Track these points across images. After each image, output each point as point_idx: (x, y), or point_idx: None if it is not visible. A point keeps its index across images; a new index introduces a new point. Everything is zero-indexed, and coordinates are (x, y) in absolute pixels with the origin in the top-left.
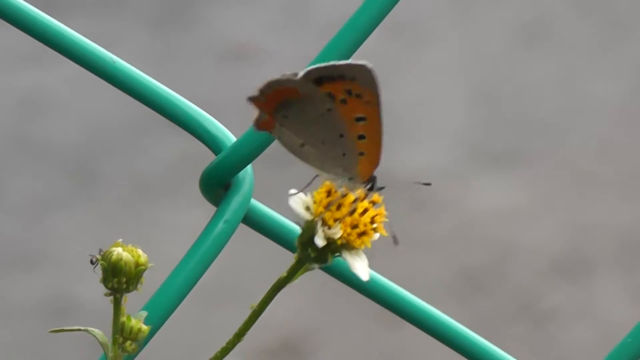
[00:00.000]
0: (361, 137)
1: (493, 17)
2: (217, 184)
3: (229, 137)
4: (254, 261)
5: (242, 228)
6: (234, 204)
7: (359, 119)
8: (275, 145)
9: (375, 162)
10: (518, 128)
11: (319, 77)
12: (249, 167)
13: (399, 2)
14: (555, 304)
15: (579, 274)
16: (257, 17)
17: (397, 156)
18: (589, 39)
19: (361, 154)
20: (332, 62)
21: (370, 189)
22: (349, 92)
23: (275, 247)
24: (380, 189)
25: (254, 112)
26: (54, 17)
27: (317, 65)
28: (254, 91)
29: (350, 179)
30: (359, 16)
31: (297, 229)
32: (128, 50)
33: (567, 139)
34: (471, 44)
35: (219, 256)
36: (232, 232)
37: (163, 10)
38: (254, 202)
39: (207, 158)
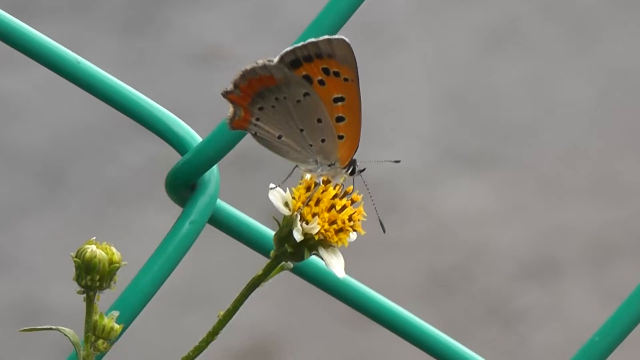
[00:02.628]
0: (340, 119)
1: (462, 21)
2: (183, 185)
3: (195, 137)
4: (223, 267)
5: (212, 235)
6: (200, 204)
7: (337, 100)
8: (241, 150)
9: (354, 144)
10: (487, 131)
11: (295, 59)
12: (214, 167)
13: (369, 7)
14: (524, 306)
15: (548, 276)
16: (226, 21)
17: (366, 159)
18: (557, 43)
19: (340, 137)
20: (309, 40)
21: (352, 173)
22: (326, 72)
23: (244, 253)
24: (362, 171)
25: (228, 110)
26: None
27: (293, 45)
28: (227, 86)
29: (330, 165)
30: (324, 16)
31: (263, 230)
32: (97, 56)
33: (536, 142)
34: (440, 48)
35: (189, 262)
36: (199, 232)
37: (132, 15)
38: (220, 202)
39: (175, 162)
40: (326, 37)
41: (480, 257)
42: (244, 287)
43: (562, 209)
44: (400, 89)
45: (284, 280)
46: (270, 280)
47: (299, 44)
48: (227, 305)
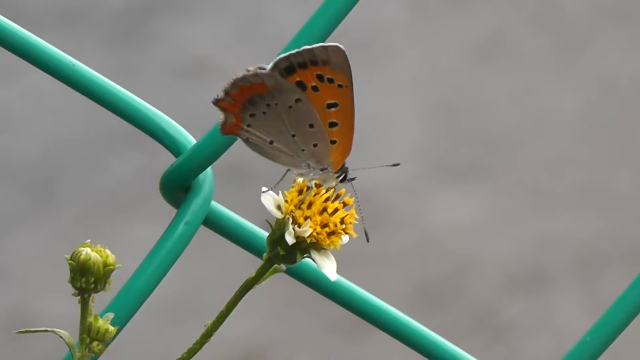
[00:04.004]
0: (333, 124)
1: (450, 32)
2: (178, 186)
3: (189, 139)
4: (215, 277)
5: (204, 245)
6: (194, 205)
7: (330, 105)
8: (234, 159)
9: (347, 150)
10: (476, 143)
11: (289, 66)
12: (209, 169)
13: (358, 18)
14: (513, 316)
15: (537, 287)
16: (214, 33)
17: (354, 171)
18: (545, 54)
19: (333, 142)
20: (304, 47)
21: (343, 180)
22: (320, 78)
23: (236, 263)
24: (352, 179)
25: (220, 117)
26: None
27: (288, 52)
28: (218, 93)
29: (322, 169)
30: (309, 28)
31: (257, 231)
32: None
33: (524, 154)
34: (429, 59)
35: (178, 274)
36: (193, 233)
37: (120, 27)
38: (214, 204)
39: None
40: (321, 44)
41: (469, 268)
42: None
43: (551, 220)
44: (389, 100)
45: (271, 291)
46: (258, 290)
47: (294, 51)
48: (211, 320)
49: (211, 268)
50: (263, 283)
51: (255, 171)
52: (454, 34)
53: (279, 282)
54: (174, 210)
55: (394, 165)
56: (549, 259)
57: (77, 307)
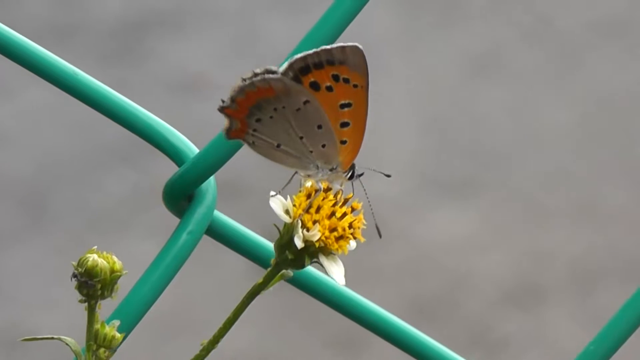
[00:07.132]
0: (345, 124)
1: (444, 47)
2: (180, 196)
3: (192, 148)
4: (208, 291)
5: (196, 261)
6: (197, 215)
7: (344, 105)
8: (229, 175)
9: (356, 149)
10: (470, 158)
11: (305, 66)
12: (211, 178)
13: (351, 33)
14: (507, 332)
15: (531, 303)
16: (208, 50)
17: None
18: (539, 69)
19: (343, 142)
20: (322, 47)
21: (351, 177)
22: (335, 78)
23: (229, 278)
24: (360, 175)
25: (224, 122)
26: None
27: (304, 52)
28: (224, 99)
29: (331, 169)
30: (304, 45)
31: (259, 240)
32: None
33: (518, 168)
34: (422, 74)
35: (173, 286)
36: (196, 242)
37: (114, 43)
38: (217, 213)
39: (159, 192)
40: (340, 44)
41: (462, 284)
42: (225, 315)
43: (546, 235)
44: (382, 114)
45: (266, 305)
46: (253, 303)
47: (310, 51)
48: (210, 333)
49: (204, 284)
50: (270, 289)
51: (246, 187)
52: (449, 48)
53: (274, 296)
54: (168, 227)
55: (386, 175)
56: (544, 274)
57: (72, 322)
